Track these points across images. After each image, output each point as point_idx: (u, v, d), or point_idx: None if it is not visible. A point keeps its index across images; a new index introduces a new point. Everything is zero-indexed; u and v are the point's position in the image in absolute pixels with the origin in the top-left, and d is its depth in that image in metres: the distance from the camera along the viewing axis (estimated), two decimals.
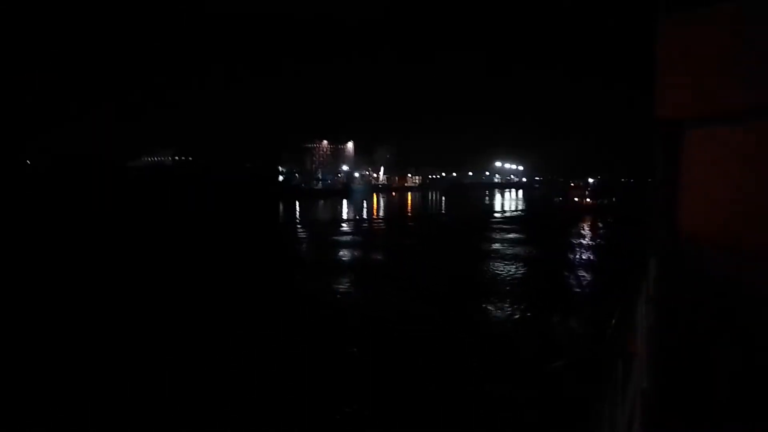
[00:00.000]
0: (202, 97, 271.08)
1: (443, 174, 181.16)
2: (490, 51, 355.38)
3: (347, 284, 20.74)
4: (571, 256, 28.49)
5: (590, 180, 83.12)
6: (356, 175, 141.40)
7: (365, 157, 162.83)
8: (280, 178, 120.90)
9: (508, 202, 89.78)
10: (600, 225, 46.27)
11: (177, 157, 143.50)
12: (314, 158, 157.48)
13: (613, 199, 64.43)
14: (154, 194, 74.38)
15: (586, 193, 65.02)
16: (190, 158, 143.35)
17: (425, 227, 48.20)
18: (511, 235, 38.14)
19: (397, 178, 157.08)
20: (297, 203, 78.10)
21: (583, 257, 28.53)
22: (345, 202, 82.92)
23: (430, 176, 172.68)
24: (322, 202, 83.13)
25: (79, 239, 33.86)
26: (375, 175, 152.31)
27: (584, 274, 22.92)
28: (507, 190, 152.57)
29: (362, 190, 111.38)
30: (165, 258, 26.63)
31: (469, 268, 23.99)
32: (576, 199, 61.71)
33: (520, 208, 76.87)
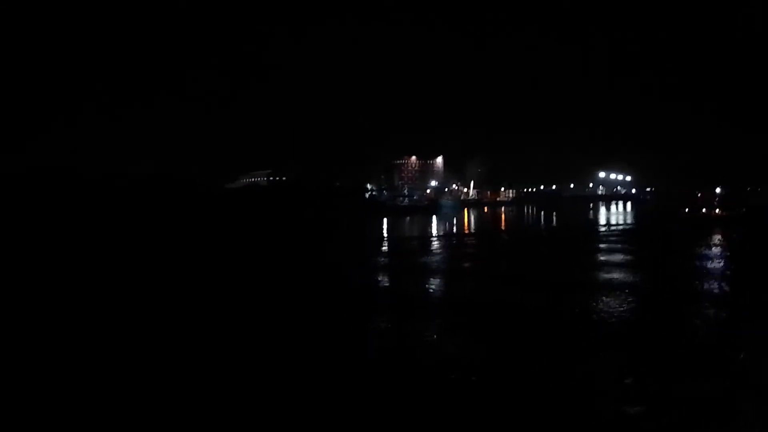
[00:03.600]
0: (294, 118, 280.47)
1: (541, 187, 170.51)
2: (589, 53, 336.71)
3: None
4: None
5: (717, 189, 74.14)
6: (446, 190, 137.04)
7: (456, 172, 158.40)
8: (367, 195, 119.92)
9: (616, 216, 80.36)
10: (742, 238, 39.02)
11: (272, 178, 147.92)
12: (403, 174, 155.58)
13: (743, 210, 56.86)
14: (249, 213, 76.33)
15: (715, 203, 59.46)
16: (284, 178, 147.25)
17: (520, 243, 42.90)
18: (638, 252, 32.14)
19: (489, 193, 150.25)
20: (384, 219, 75.35)
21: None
22: (434, 217, 78.93)
23: (525, 189, 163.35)
24: (408, 218, 79.70)
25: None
26: (465, 189, 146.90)
27: None
28: (613, 202, 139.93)
29: (451, 206, 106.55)
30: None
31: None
32: (704, 210, 55.76)
33: (630, 222, 67.78)
